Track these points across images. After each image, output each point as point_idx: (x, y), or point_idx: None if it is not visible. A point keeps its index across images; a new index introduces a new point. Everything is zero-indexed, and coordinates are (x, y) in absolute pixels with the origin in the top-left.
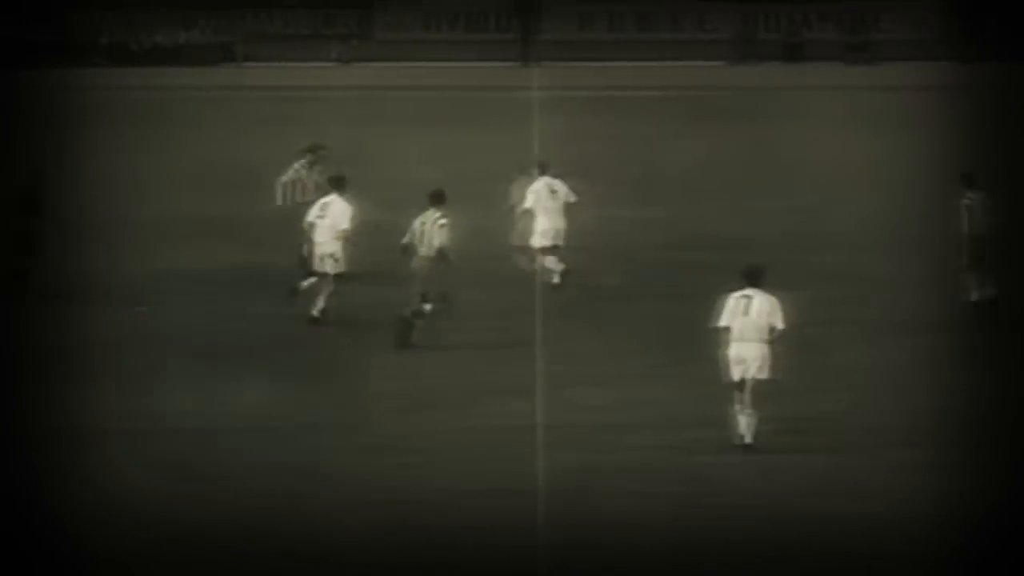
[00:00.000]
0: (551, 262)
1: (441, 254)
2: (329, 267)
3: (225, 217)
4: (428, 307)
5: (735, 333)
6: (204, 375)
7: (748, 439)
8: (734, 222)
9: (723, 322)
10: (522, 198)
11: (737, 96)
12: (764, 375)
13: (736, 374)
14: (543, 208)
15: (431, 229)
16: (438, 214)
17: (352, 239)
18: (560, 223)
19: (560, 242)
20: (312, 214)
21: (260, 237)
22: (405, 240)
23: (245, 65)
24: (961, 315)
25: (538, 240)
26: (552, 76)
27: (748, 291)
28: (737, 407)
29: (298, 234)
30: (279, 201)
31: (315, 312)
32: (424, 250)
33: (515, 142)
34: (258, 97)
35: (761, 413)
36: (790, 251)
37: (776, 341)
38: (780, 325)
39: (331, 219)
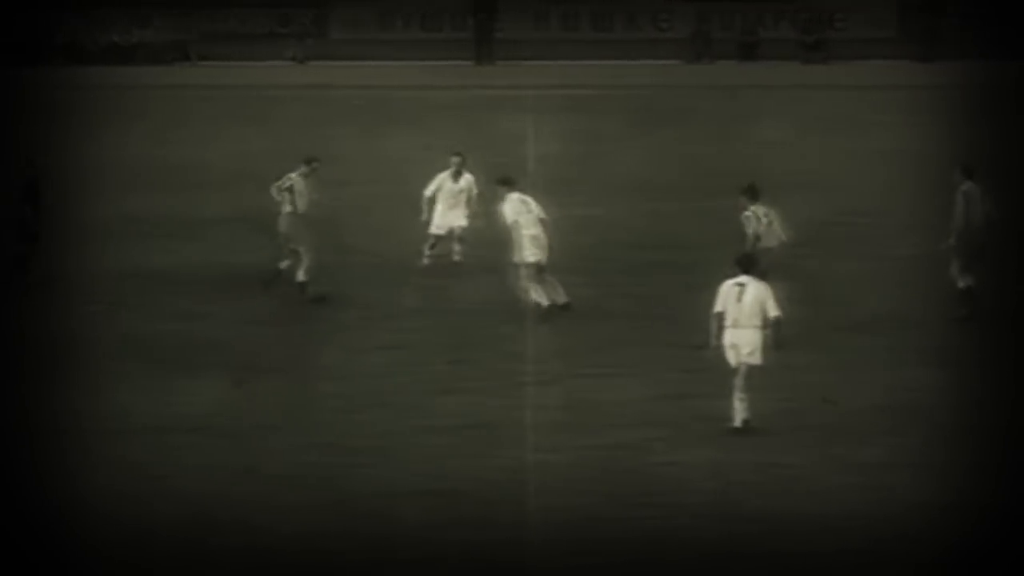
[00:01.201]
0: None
1: (784, 239)
2: (542, 257)
3: (180, 216)
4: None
5: (729, 320)
6: (155, 375)
7: (738, 422)
8: (690, 221)
9: (717, 308)
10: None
11: (692, 95)
12: (755, 360)
13: (731, 359)
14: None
15: (775, 220)
16: (765, 207)
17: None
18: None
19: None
20: (514, 212)
21: (217, 237)
22: (751, 231)
23: (200, 64)
24: (920, 315)
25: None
26: (507, 75)
27: (742, 279)
28: (736, 394)
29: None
30: (288, 208)
31: (562, 300)
32: (772, 241)
33: (471, 141)
34: (213, 96)
35: (752, 396)
36: (714, 252)
37: (770, 328)
38: (773, 312)
39: (536, 212)
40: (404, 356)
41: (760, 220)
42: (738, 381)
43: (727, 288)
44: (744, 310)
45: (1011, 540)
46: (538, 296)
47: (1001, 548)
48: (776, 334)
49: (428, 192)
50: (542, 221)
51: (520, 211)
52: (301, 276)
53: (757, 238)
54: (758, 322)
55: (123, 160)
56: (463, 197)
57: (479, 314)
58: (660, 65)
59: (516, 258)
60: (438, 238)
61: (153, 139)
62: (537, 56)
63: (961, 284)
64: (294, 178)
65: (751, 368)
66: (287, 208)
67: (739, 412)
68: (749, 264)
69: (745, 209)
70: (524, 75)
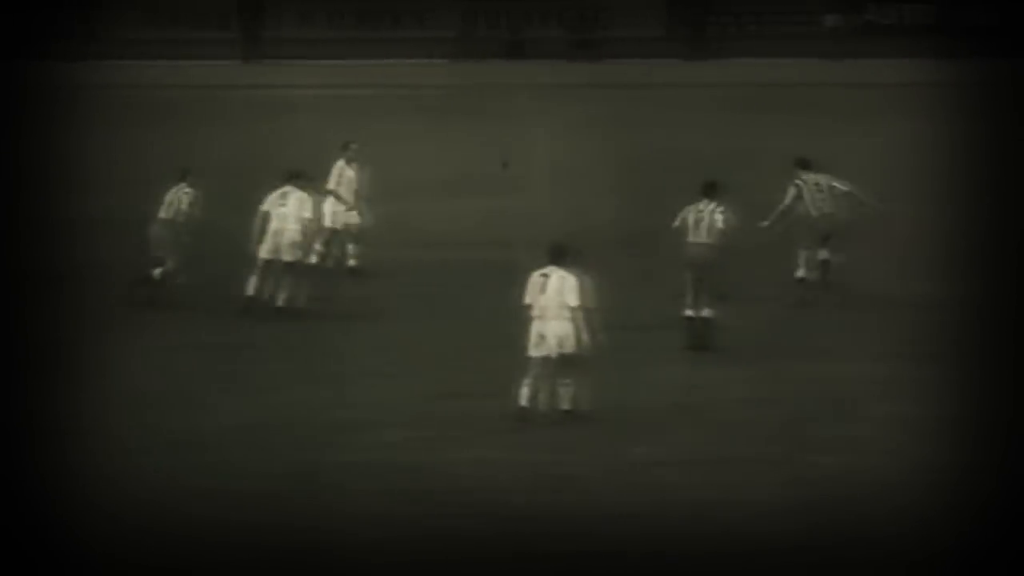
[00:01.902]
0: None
1: (721, 239)
2: (289, 255)
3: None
4: (708, 313)
5: (536, 311)
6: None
7: (567, 406)
8: (457, 221)
9: (526, 300)
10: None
11: (458, 94)
12: (567, 349)
13: (538, 351)
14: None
15: (709, 218)
16: (713, 204)
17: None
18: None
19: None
20: (270, 203)
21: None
22: (676, 225)
23: None
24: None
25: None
26: (273, 74)
27: (547, 269)
28: (527, 380)
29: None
30: (164, 216)
31: (280, 303)
32: (700, 237)
33: (238, 141)
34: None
35: (577, 381)
36: (500, 251)
37: (581, 317)
38: (572, 303)
39: (292, 208)
40: (198, 355)
41: (693, 216)
42: (545, 371)
43: (533, 279)
44: (548, 301)
45: (789, 533)
46: (260, 289)
47: (783, 541)
48: (588, 323)
49: (330, 185)
50: (302, 221)
51: (273, 204)
52: (158, 275)
53: (685, 232)
54: (565, 313)
55: None
56: (354, 187)
57: (280, 313)
58: (426, 64)
59: (259, 251)
60: (334, 232)
61: None
62: (304, 55)
63: (801, 273)
64: (180, 193)
65: (564, 358)
66: (165, 215)
67: (565, 397)
68: (556, 255)
69: (697, 203)
70: (292, 74)
